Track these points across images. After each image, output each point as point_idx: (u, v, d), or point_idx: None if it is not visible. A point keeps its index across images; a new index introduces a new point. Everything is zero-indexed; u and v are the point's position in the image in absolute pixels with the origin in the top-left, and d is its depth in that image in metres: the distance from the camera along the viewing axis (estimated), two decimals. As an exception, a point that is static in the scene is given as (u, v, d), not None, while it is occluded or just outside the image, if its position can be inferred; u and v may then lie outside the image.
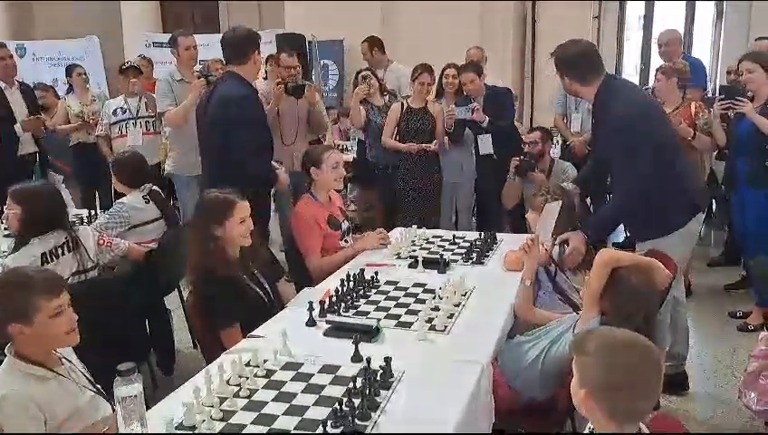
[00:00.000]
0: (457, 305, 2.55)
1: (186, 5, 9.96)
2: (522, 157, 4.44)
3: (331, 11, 7.56)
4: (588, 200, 4.65)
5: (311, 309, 2.41)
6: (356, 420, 1.73)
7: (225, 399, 1.86)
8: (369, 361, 1.95)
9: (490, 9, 7.60)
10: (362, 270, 2.84)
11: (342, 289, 2.63)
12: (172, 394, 1.93)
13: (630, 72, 8.27)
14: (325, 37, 7.76)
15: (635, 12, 8.26)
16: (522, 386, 2.32)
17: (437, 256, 3.09)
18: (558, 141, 5.36)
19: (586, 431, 1.53)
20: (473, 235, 3.57)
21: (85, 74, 5.96)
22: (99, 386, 1.99)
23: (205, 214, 2.62)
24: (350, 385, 1.88)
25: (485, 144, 4.80)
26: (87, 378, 2.00)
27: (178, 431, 1.72)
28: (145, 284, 3.20)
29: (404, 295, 2.70)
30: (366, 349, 2.10)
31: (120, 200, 3.56)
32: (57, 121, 5.74)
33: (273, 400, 1.88)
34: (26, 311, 1.82)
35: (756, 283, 4.02)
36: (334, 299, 2.56)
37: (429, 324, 2.36)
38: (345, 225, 3.41)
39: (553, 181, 4.06)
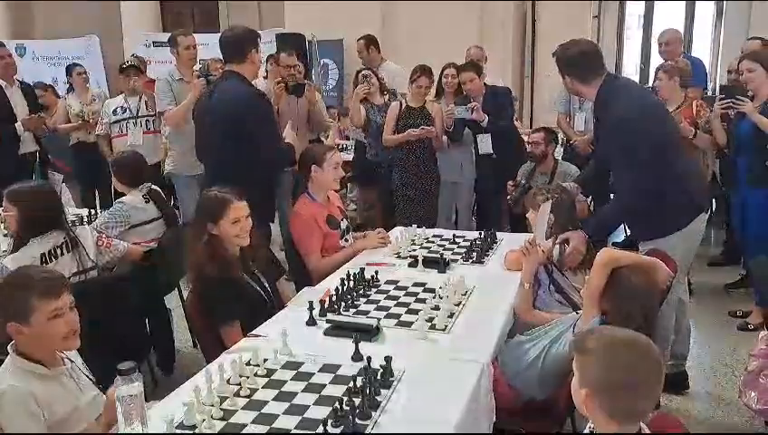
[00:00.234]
0: (458, 305, 2.55)
1: (185, 5, 9.96)
2: (513, 185, 4.43)
3: (331, 11, 7.56)
4: (589, 199, 4.66)
5: (311, 308, 2.41)
6: (356, 420, 1.73)
7: (226, 398, 1.86)
8: (369, 360, 1.95)
9: (490, 9, 7.61)
10: (362, 269, 2.84)
11: (342, 288, 2.63)
12: (172, 394, 1.93)
13: (630, 72, 8.27)
14: (325, 37, 7.77)
15: (635, 11, 8.26)
16: (522, 385, 2.32)
17: (438, 256, 3.09)
18: (562, 140, 5.34)
19: (586, 431, 1.53)
20: (473, 234, 3.57)
21: (86, 74, 5.97)
22: (100, 386, 1.99)
23: (201, 212, 2.63)
24: (351, 384, 1.88)
25: (485, 144, 4.80)
26: (89, 378, 2.00)
27: (179, 431, 1.72)
28: (145, 283, 3.20)
29: (404, 295, 2.70)
30: (366, 348, 2.10)
31: (119, 200, 3.56)
32: (57, 121, 5.75)
33: (273, 399, 1.88)
34: (24, 311, 1.82)
35: (756, 283, 4.01)
36: (334, 298, 2.56)
37: (430, 324, 2.36)
38: (344, 224, 3.41)
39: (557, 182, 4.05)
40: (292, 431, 1.73)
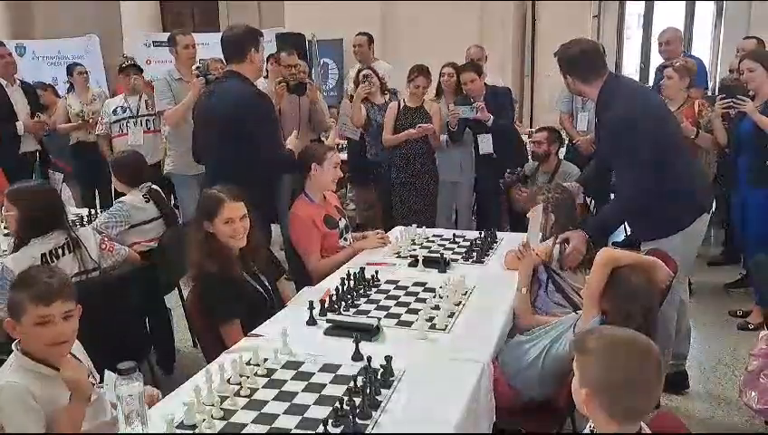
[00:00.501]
0: (458, 304, 2.55)
1: (185, 5, 9.97)
2: (510, 172, 4.43)
3: (330, 11, 7.57)
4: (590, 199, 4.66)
5: (311, 308, 2.41)
6: (356, 420, 1.73)
7: (226, 398, 1.86)
8: (369, 360, 1.95)
9: (490, 9, 7.61)
10: (362, 269, 2.84)
11: (343, 288, 2.63)
12: (172, 394, 1.93)
13: (630, 72, 8.28)
14: (325, 37, 7.77)
15: (635, 11, 8.27)
16: (522, 385, 2.32)
17: (438, 255, 3.09)
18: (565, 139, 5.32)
19: (586, 431, 1.53)
20: (473, 234, 3.57)
21: (86, 73, 5.97)
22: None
23: (199, 210, 2.64)
24: (351, 384, 1.88)
25: (486, 143, 4.79)
26: (92, 374, 2.00)
27: (179, 431, 1.71)
28: (145, 283, 3.20)
29: (404, 294, 2.70)
30: (366, 348, 2.10)
31: (120, 199, 3.56)
32: (57, 120, 5.75)
33: (273, 399, 1.88)
34: (18, 310, 1.83)
35: (756, 282, 4.01)
36: (334, 298, 2.56)
37: (430, 323, 2.36)
38: (342, 223, 3.41)
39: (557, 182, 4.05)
40: (293, 431, 1.73)
